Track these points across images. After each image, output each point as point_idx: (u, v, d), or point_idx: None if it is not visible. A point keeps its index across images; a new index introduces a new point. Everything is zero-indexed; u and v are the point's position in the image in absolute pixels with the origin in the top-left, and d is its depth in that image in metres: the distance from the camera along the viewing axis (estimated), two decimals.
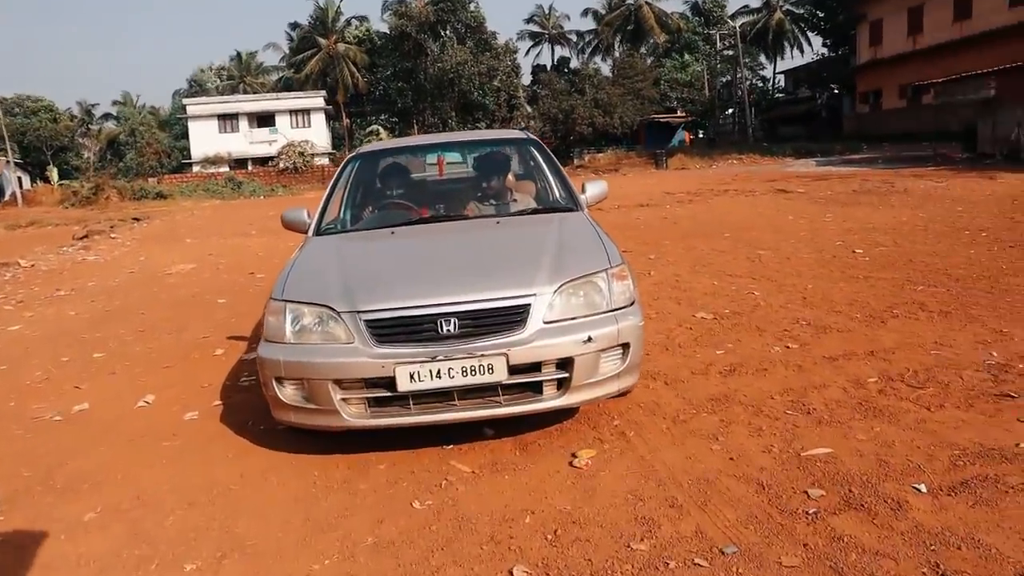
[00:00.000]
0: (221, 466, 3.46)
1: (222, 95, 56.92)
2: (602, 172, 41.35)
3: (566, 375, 3.14)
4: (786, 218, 11.66)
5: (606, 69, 55.38)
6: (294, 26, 57.60)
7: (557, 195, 4.85)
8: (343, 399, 3.14)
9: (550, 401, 3.17)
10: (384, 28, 54.75)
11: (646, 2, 56.78)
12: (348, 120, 56.00)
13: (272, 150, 49.06)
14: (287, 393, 3.25)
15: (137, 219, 25.60)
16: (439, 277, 3.39)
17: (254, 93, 57.40)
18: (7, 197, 46.12)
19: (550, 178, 5.01)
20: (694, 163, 40.28)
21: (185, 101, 54.04)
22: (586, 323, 3.20)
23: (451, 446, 3.42)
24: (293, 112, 51.50)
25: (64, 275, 11.68)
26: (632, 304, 3.39)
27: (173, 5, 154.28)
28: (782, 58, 58.71)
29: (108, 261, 13.40)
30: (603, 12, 59.33)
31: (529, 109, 55.23)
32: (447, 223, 4.49)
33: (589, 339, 3.12)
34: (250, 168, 48.65)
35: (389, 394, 3.09)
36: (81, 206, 38.33)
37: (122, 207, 36.47)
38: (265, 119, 51.57)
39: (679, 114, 52.57)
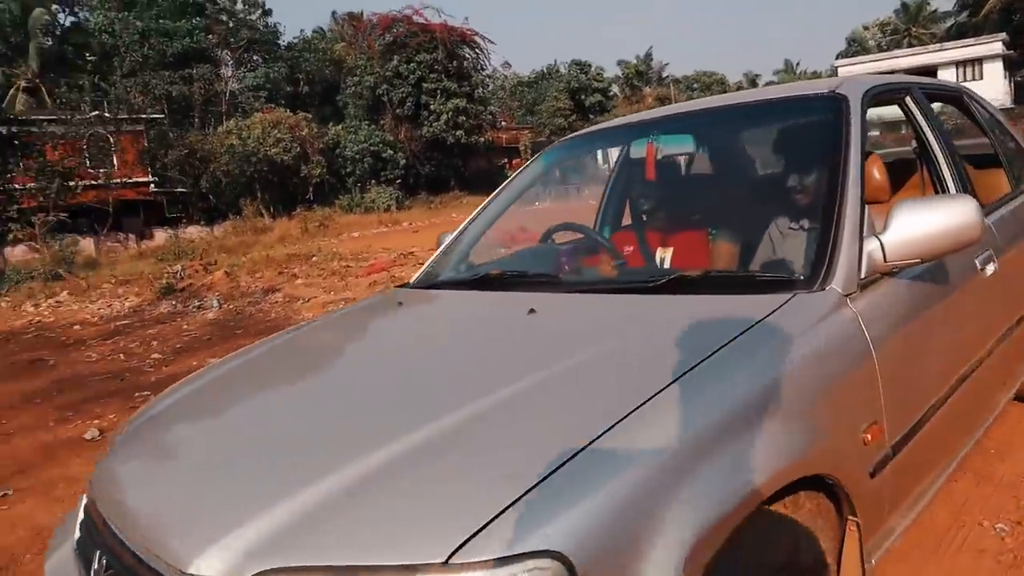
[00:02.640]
0: None
1: (883, 51, 53.14)
2: None
3: None
4: None
5: None
6: None
7: (794, 246, 2.01)
8: None
9: None
10: None
11: None
12: None
13: None
14: None
15: None
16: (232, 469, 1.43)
17: (920, 46, 51.50)
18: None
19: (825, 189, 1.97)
20: None
21: (836, 63, 51.83)
22: None
23: None
24: (959, 63, 44.46)
25: None
26: None
27: None
28: None
29: None
30: None
31: None
32: (553, 294, 2.15)
33: None
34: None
35: None
36: None
37: None
38: (925, 74, 45.59)
39: None
